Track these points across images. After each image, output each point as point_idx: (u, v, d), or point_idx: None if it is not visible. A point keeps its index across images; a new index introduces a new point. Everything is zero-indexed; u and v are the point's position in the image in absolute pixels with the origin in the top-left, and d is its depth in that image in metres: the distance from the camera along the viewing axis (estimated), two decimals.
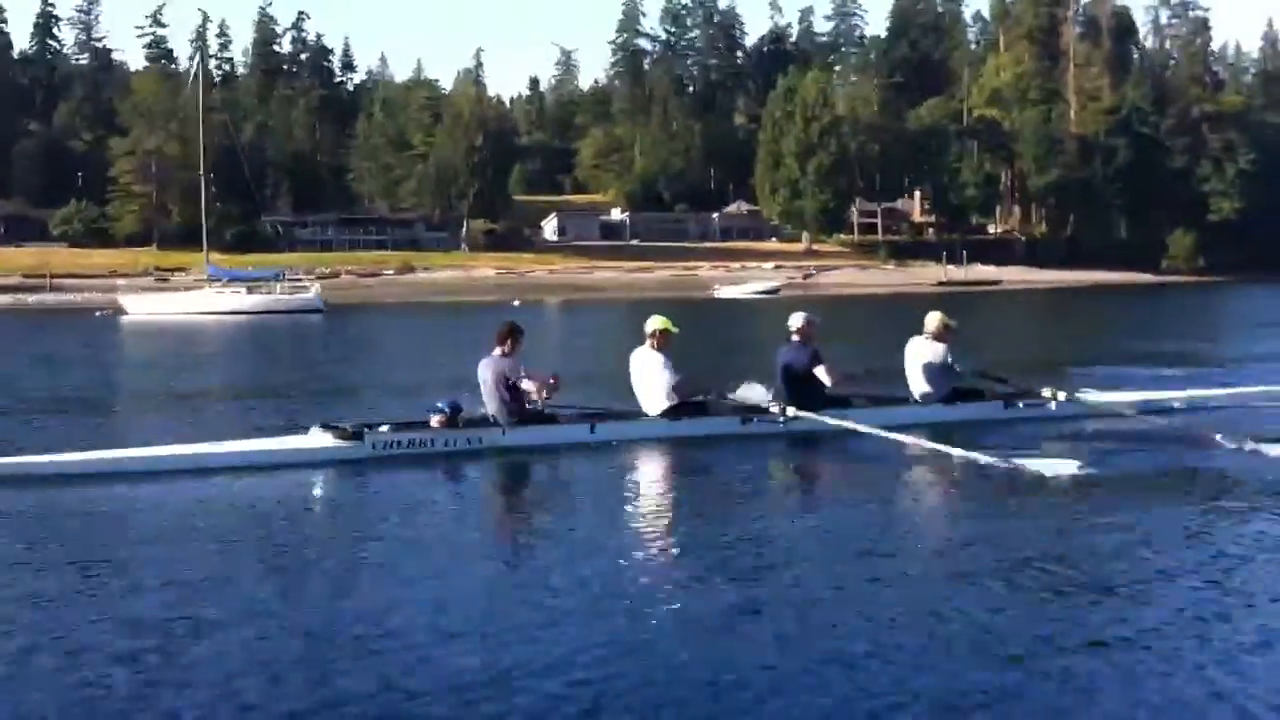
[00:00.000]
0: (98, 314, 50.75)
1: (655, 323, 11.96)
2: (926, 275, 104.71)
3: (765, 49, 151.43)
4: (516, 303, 56.73)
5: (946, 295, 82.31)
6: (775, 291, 76.33)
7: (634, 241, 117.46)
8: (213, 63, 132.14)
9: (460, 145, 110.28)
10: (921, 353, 12.73)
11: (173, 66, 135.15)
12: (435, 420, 10.92)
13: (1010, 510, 8.61)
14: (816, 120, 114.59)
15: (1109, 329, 38.96)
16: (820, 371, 12.06)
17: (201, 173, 68.07)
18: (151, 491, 9.26)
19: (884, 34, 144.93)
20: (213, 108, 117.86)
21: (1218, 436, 11.02)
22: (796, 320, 12.45)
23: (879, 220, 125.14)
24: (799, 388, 12.05)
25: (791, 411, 11.62)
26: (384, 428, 10.72)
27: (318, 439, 10.58)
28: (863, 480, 10.18)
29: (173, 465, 10.04)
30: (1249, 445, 10.65)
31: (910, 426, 11.61)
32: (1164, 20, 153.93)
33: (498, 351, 11.29)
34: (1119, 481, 9.58)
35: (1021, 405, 12.72)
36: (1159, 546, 7.38)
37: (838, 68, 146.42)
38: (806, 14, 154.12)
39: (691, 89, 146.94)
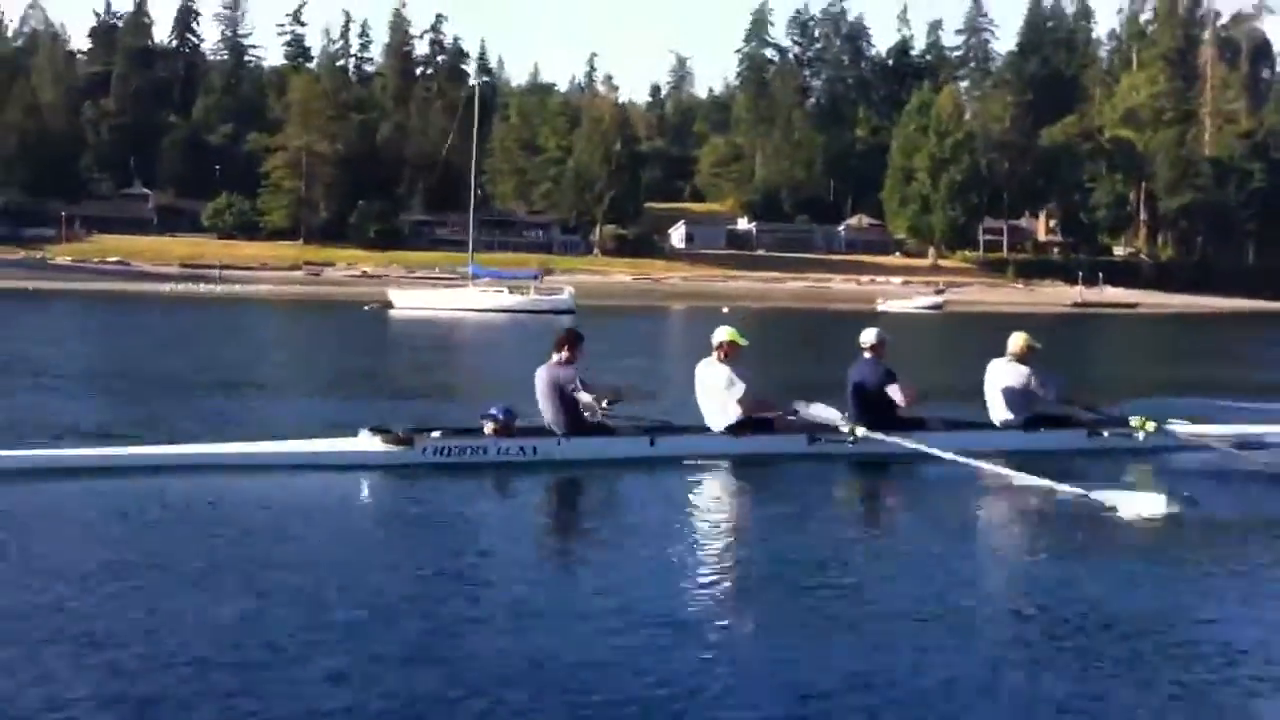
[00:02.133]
0: (366, 308, 52.53)
1: (722, 334, 11.31)
2: (1057, 295, 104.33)
3: (891, 61, 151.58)
4: (726, 309, 57.88)
5: (1082, 316, 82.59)
6: (939, 307, 76.93)
7: (760, 252, 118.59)
8: (352, 62, 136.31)
9: (598, 151, 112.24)
10: (1003, 375, 11.98)
11: (310, 65, 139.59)
12: (489, 428, 10.47)
13: (1085, 550, 8.11)
14: (950, 135, 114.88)
15: (1251, 358, 36.87)
16: (893, 390, 11.43)
17: (472, 178, 70.34)
18: (196, 487, 9.11)
19: (1014, 49, 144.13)
20: (351, 106, 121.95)
21: None
22: (869, 336, 11.79)
23: (1004, 238, 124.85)
24: (870, 407, 11.46)
25: (861, 432, 11.01)
26: (435, 433, 10.39)
27: (366, 442, 10.19)
28: (932, 508, 9.66)
29: (219, 462, 9.90)
30: None
31: (986, 453, 10.95)
32: None
33: (555, 358, 10.86)
34: (1206, 523, 8.99)
35: (1106, 434, 11.94)
36: (1243, 597, 6.83)
37: (964, 83, 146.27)
38: (935, 27, 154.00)
39: (815, 100, 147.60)
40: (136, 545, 7.36)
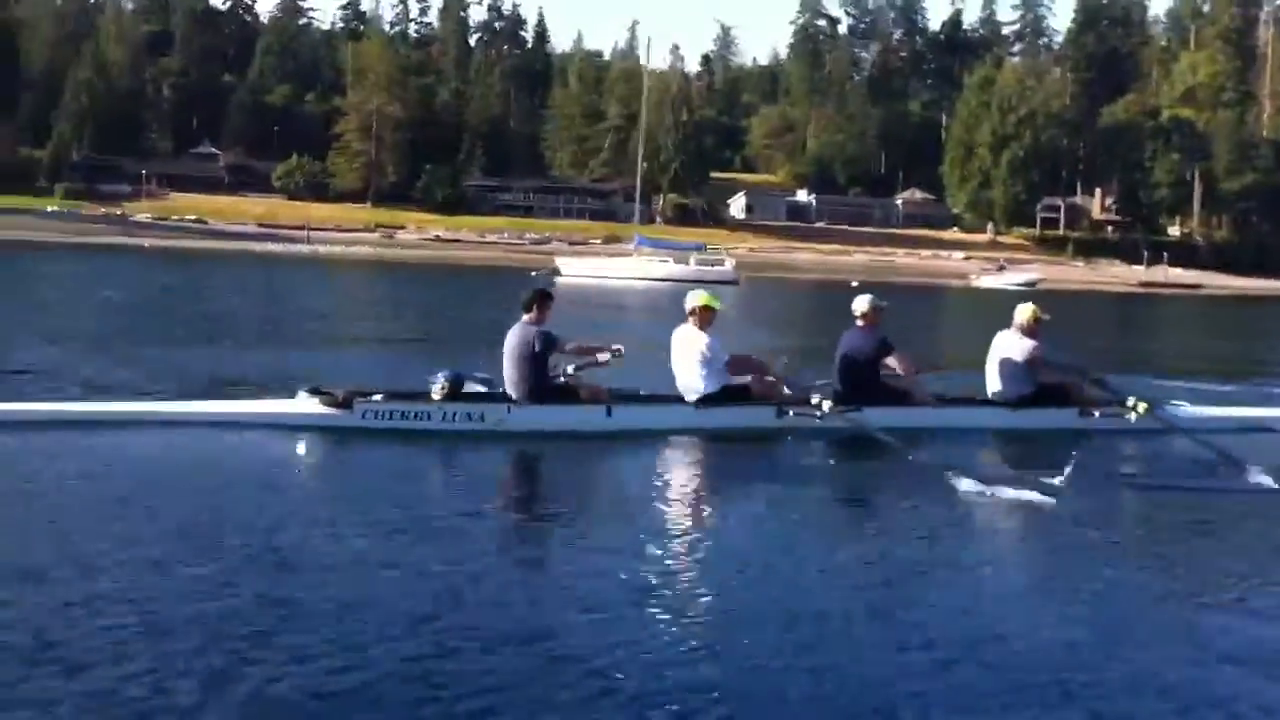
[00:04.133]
0: (533, 274, 53.64)
1: (696, 299, 10.79)
2: (1118, 274, 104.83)
3: (943, 35, 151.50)
4: (855, 284, 58.93)
5: (1149, 296, 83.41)
6: (1033, 285, 77.74)
7: (820, 224, 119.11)
8: (411, 27, 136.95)
9: (665, 120, 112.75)
10: (1006, 348, 11.45)
11: (362, 26, 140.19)
12: (435, 392, 10.00)
13: (1030, 537, 7.76)
14: (1013, 112, 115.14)
15: None
16: (892, 360, 11.00)
17: (639, 154, 71.92)
18: (126, 443, 9.04)
19: (1072, 25, 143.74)
20: (412, 71, 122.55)
21: None
22: (861, 304, 11.20)
23: (1061, 215, 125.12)
24: (857, 378, 10.95)
25: (827, 406, 10.35)
26: (377, 396, 9.93)
27: (304, 404, 9.84)
28: (884, 488, 9.06)
29: (152, 418, 9.70)
30: None
31: (969, 430, 10.77)
32: None
33: (525, 318, 10.35)
34: (1178, 515, 8.39)
35: (1097, 415, 11.21)
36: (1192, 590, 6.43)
37: (1014, 59, 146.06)
38: (990, 1, 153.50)
39: (868, 73, 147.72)
40: (64, 500, 7.26)
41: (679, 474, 9.40)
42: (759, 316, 35.54)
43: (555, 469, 9.59)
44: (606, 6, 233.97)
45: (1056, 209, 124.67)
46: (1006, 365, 11.38)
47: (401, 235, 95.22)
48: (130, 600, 5.29)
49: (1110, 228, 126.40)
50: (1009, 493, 8.33)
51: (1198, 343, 34.46)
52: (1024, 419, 11.17)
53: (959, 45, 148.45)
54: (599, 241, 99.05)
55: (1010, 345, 11.44)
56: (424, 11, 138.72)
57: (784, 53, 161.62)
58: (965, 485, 8.43)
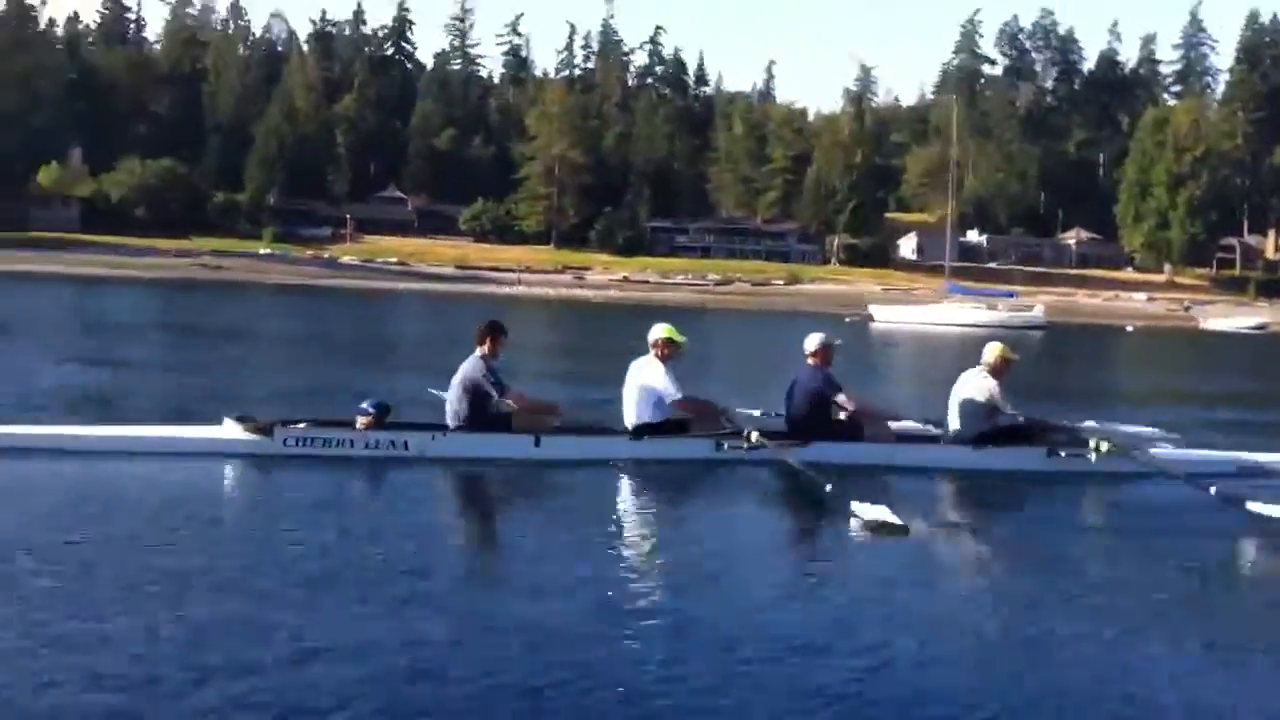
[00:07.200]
0: (847, 320, 55.02)
1: (660, 331, 10.84)
2: None
3: (1099, 75, 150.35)
4: (1130, 328, 59.42)
5: None
6: (1264, 327, 77.11)
7: (991, 265, 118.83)
8: (576, 71, 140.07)
9: (839, 161, 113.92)
10: (968, 386, 11.23)
11: (530, 74, 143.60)
12: (360, 421, 10.07)
13: (951, 581, 7.40)
14: (1188, 151, 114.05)
15: None
16: (840, 399, 10.92)
17: (949, 211, 73.74)
18: (46, 470, 8.93)
19: (1238, 64, 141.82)
20: (584, 114, 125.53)
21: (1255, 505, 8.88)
22: (812, 343, 11.22)
23: (1237, 255, 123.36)
24: (807, 414, 10.97)
25: (755, 438, 10.21)
26: (300, 424, 9.98)
27: (229, 430, 9.85)
28: (799, 527, 8.77)
29: (73, 446, 9.54)
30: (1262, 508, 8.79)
31: (926, 469, 10.64)
32: None
33: (478, 351, 10.46)
34: (1111, 559, 8.14)
35: (1064, 455, 10.89)
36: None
37: (1171, 100, 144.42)
38: (1149, 40, 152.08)
39: (1023, 112, 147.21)
40: None
41: (598, 503, 9.02)
42: (1068, 359, 35.93)
43: (476, 497, 9.71)
44: (743, 47, 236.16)
45: (1232, 249, 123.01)
46: (966, 405, 11.14)
47: (590, 276, 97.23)
48: (65, 646, 5.08)
49: None
50: (917, 526, 8.19)
51: None
52: (985, 458, 10.84)
53: (1115, 85, 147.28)
54: (781, 282, 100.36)
55: (972, 385, 11.24)
56: (588, 58, 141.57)
57: (930, 92, 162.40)
58: (857, 518, 8.14)
